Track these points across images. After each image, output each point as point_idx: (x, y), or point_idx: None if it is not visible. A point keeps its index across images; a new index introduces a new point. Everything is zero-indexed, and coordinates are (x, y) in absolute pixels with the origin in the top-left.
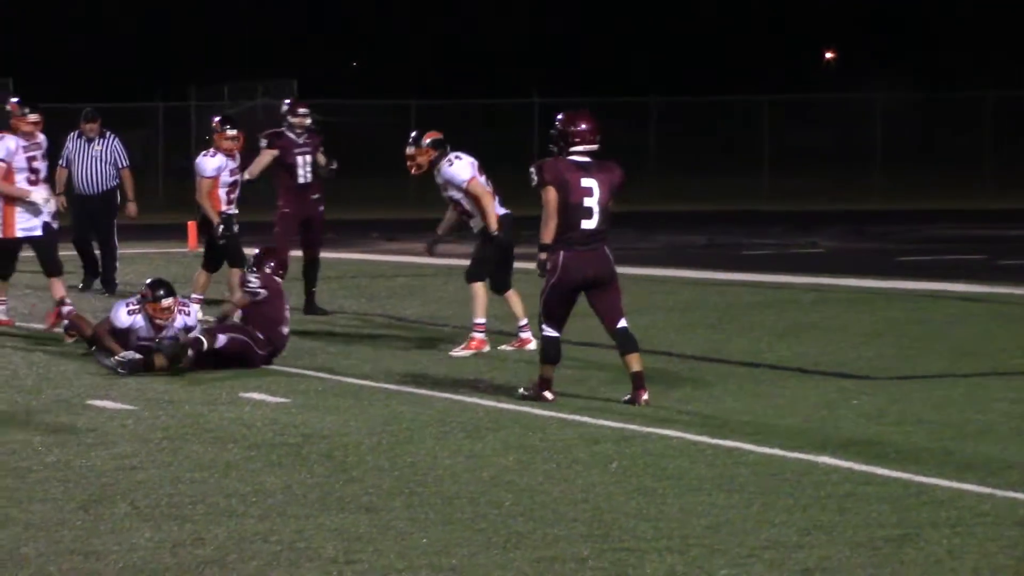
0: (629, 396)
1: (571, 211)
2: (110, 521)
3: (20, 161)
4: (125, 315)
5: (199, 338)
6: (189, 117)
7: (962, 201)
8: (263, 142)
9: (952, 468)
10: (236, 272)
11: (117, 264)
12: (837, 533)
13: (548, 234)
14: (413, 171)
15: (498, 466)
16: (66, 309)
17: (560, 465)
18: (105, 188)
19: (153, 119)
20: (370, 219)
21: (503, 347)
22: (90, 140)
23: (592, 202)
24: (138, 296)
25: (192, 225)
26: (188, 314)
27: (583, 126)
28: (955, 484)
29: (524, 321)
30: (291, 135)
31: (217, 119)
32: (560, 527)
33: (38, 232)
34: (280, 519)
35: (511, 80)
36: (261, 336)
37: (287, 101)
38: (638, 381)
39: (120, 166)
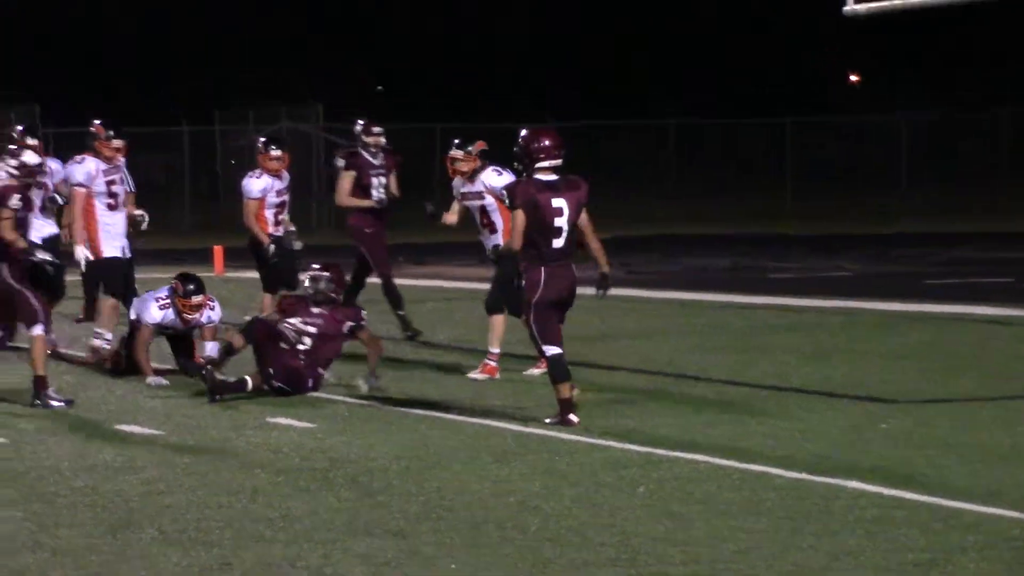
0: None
1: (543, 231)
2: (138, 546)
3: (99, 185)
4: (156, 310)
5: (244, 379)
6: (214, 141)
7: (987, 223)
8: (340, 162)
9: (981, 492)
10: (267, 297)
11: (136, 288)
12: (865, 558)
13: (515, 248)
14: (451, 175)
15: (525, 491)
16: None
17: (587, 490)
18: None
19: (178, 143)
20: (398, 243)
21: (529, 371)
22: None
23: (562, 221)
24: (168, 288)
25: (219, 250)
26: (213, 308)
27: (547, 142)
28: (984, 508)
29: None
30: (366, 155)
31: (262, 140)
32: (588, 552)
33: (118, 253)
34: (307, 544)
35: (532, 105)
36: (322, 366)
37: (360, 121)
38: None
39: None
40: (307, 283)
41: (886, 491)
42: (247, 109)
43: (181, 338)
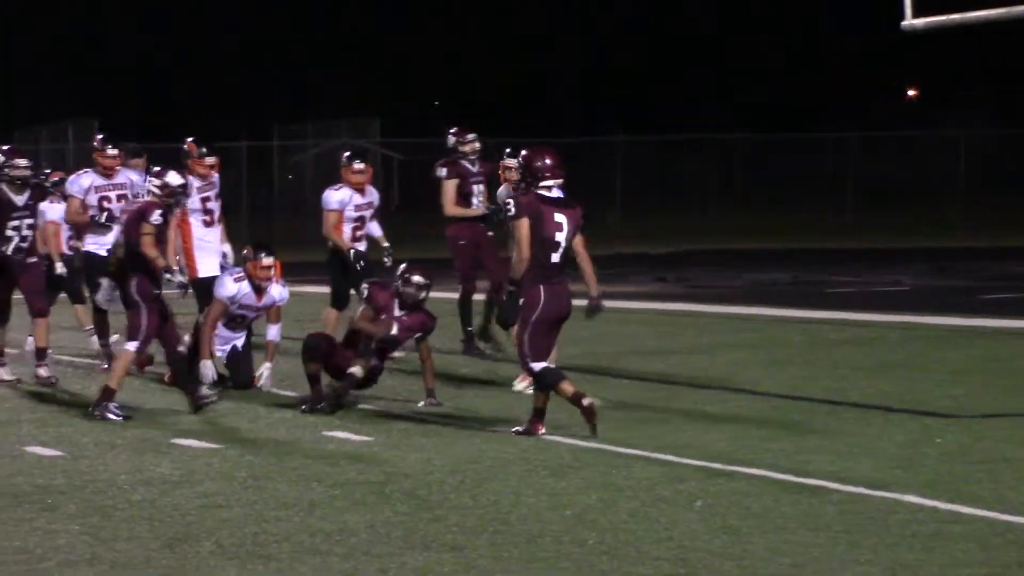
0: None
1: (544, 245)
2: (195, 560)
3: (195, 203)
4: (231, 283)
5: (352, 373)
6: (272, 157)
7: None
8: (442, 172)
9: None
10: (332, 312)
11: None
12: (923, 572)
13: (523, 270)
14: (502, 181)
15: (581, 504)
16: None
17: (644, 503)
18: None
19: (237, 159)
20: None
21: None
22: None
23: (562, 237)
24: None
25: (278, 265)
26: (284, 286)
27: (549, 161)
28: None
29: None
30: (466, 163)
31: (346, 153)
32: (644, 566)
33: (216, 271)
34: (364, 558)
35: (591, 118)
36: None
37: (452, 130)
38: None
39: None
40: (400, 286)
41: (943, 506)
42: (305, 124)
43: (240, 353)
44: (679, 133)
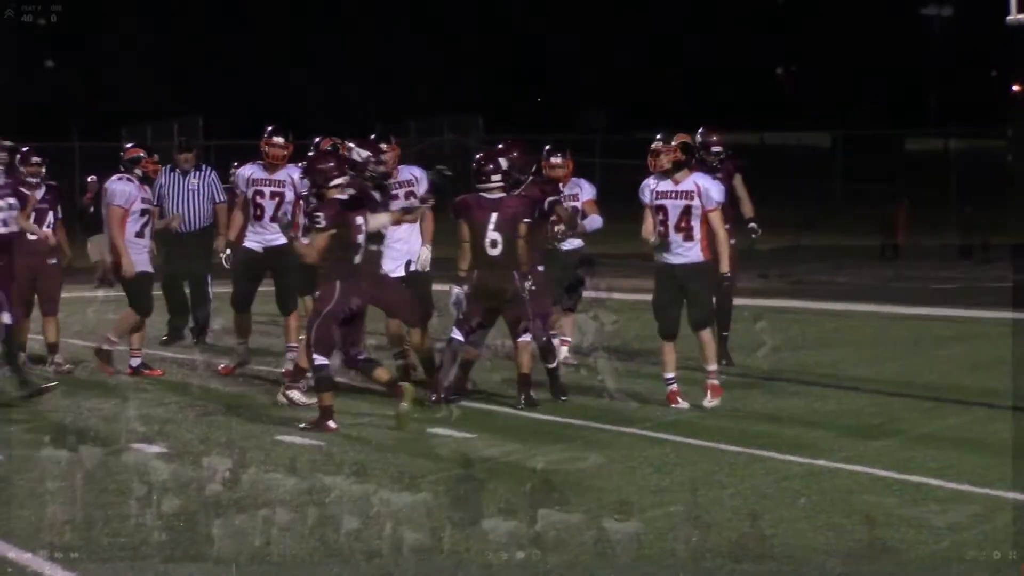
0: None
1: (347, 248)
2: (299, 556)
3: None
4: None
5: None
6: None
7: None
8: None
9: None
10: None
11: (211, 308)
12: None
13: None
14: (652, 168)
15: (686, 502)
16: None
17: (748, 501)
18: (201, 225)
19: None
20: None
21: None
22: (185, 173)
23: (361, 238)
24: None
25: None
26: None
27: (331, 163)
28: None
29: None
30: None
31: (547, 147)
32: (749, 563)
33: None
34: (467, 555)
35: (687, 115)
36: None
37: (701, 130)
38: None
39: (216, 201)
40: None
41: None
42: (408, 120)
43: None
44: (778, 130)
